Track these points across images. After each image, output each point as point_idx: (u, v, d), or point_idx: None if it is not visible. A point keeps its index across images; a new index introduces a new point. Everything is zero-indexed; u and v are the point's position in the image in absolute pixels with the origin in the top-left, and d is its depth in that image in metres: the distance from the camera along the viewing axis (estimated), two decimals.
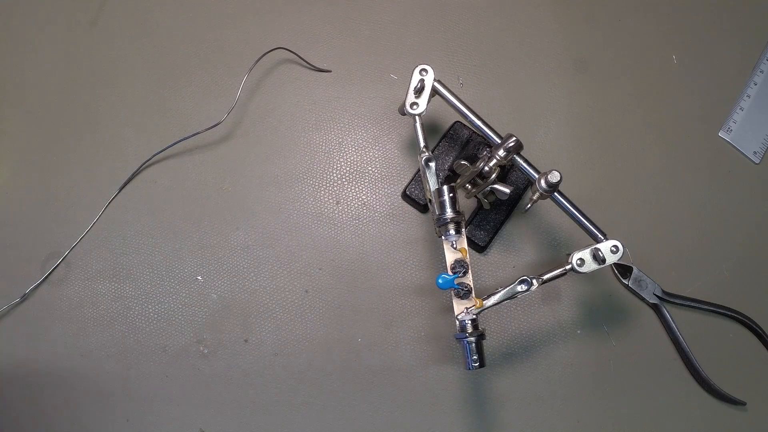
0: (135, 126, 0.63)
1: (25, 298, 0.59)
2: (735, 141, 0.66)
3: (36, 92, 0.64)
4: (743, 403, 0.59)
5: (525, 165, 0.52)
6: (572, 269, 0.50)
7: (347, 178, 0.63)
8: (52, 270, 0.59)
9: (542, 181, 0.49)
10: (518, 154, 0.52)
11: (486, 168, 0.52)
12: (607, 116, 0.66)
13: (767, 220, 0.64)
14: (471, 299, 0.48)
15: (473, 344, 0.48)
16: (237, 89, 0.62)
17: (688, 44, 0.69)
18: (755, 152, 0.66)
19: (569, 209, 0.52)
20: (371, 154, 0.64)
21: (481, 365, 0.48)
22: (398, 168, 0.63)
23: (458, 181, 0.55)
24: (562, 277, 0.50)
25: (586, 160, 0.65)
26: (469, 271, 0.48)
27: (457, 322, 0.48)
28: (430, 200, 0.51)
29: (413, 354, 0.59)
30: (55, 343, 0.58)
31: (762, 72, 0.68)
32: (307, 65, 0.65)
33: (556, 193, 0.52)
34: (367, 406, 0.58)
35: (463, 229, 0.49)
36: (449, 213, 0.48)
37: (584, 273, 0.50)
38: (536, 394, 0.59)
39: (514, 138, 0.51)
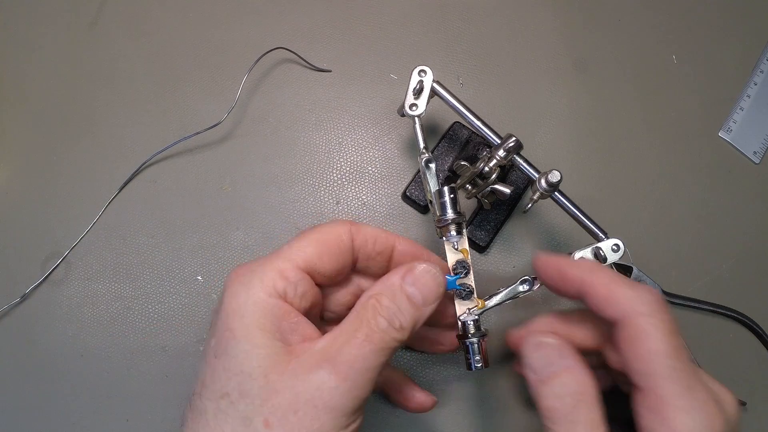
0: (135, 126, 0.63)
1: (25, 298, 0.58)
2: (735, 141, 0.66)
3: (36, 92, 0.64)
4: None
5: (525, 165, 0.52)
6: None
7: (347, 178, 0.63)
8: (52, 270, 0.59)
9: (542, 181, 0.49)
10: (518, 154, 0.52)
11: (486, 168, 0.51)
12: (607, 116, 0.66)
13: (767, 220, 0.64)
14: (473, 300, 0.48)
15: (476, 345, 0.48)
16: (237, 89, 0.61)
17: (688, 44, 0.69)
18: (755, 152, 0.66)
19: (570, 209, 0.52)
20: (371, 154, 0.64)
21: (485, 366, 0.48)
22: (398, 168, 0.63)
23: (458, 181, 0.55)
24: None
25: (586, 160, 0.65)
26: (471, 272, 0.48)
27: (459, 323, 0.48)
28: (430, 201, 0.51)
29: (413, 354, 0.59)
30: (55, 343, 0.58)
31: (762, 72, 0.68)
32: (307, 65, 0.65)
33: (556, 193, 0.52)
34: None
35: (464, 230, 0.48)
36: (450, 214, 0.48)
37: None
38: None
39: (514, 138, 0.51)
